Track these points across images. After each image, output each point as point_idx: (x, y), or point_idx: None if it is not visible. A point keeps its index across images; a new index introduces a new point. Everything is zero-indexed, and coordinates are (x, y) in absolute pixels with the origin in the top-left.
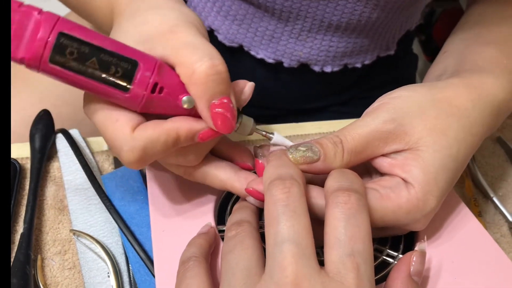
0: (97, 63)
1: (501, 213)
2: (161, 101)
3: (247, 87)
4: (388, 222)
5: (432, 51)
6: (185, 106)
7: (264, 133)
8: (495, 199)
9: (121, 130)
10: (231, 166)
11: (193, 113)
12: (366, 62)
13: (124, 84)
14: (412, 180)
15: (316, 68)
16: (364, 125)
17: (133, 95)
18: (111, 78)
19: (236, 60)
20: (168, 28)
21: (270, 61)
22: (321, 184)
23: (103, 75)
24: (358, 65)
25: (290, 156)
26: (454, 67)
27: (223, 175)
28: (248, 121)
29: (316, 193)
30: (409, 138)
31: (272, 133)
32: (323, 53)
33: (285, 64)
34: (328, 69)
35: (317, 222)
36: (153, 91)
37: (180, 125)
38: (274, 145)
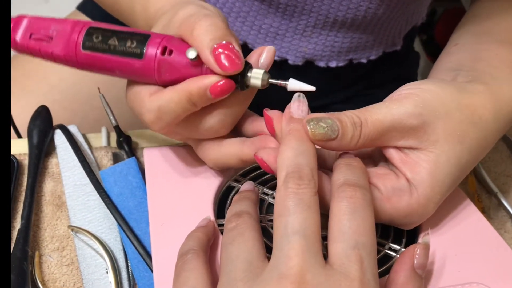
0: (116, 39)
1: (504, 209)
2: (172, 64)
3: (266, 50)
4: (382, 220)
5: (434, 51)
6: (190, 57)
7: (279, 82)
8: (498, 195)
9: (141, 98)
10: (239, 139)
11: (204, 72)
12: (372, 57)
13: (138, 51)
14: (418, 183)
15: (321, 64)
16: (388, 112)
17: (147, 60)
18: (128, 49)
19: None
20: (174, 13)
21: (275, 58)
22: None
23: (121, 48)
24: (364, 61)
25: (310, 130)
26: (470, 63)
27: (233, 149)
28: (258, 73)
29: (324, 183)
30: (426, 138)
31: (287, 80)
32: (328, 49)
33: (290, 61)
34: (333, 64)
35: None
36: (163, 53)
37: (190, 83)
38: (293, 91)
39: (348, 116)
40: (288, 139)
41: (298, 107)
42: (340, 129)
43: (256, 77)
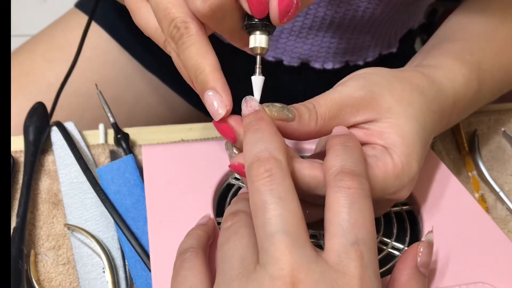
0: None
1: (508, 208)
2: None
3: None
4: (377, 191)
5: None
6: None
7: (258, 66)
8: (501, 194)
9: None
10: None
11: None
12: (368, 59)
13: None
14: (392, 145)
15: (317, 65)
16: (336, 92)
17: None
18: None
19: (235, 59)
20: None
21: (270, 59)
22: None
23: None
24: (360, 62)
25: (267, 109)
26: (416, 62)
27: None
28: (261, 40)
29: (308, 163)
30: (379, 107)
31: (261, 75)
32: (324, 50)
33: (285, 62)
34: (329, 66)
35: (312, 205)
36: None
37: None
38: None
39: (300, 103)
40: (244, 135)
41: (246, 106)
42: (296, 111)
43: (257, 40)
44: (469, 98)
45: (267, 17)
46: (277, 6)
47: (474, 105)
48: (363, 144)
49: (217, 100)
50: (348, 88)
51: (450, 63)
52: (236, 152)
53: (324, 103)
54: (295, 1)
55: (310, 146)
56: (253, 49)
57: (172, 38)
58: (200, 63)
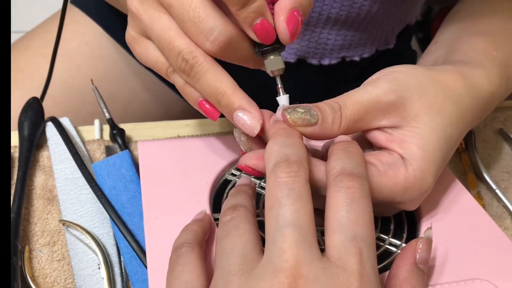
0: None
1: (504, 205)
2: None
3: None
4: (383, 199)
5: None
6: None
7: (279, 86)
8: (497, 192)
9: None
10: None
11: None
12: (365, 55)
13: None
14: (410, 157)
15: (314, 61)
16: (365, 93)
17: None
18: None
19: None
20: None
21: None
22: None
23: None
24: (356, 58)
25: (288, 116)
26: (444, 57)
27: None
28: (277, 62)
29: (317, 169)
30: (407, 113)
31: (286, 94)
32: (321, 46)
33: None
34: (325, 61)
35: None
36: None
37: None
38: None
39: (326, 103)
40: (274, 136)
41: (279, 114)
42: (319, 113)
43: (273, 63)
44: (499, 99)
45: (276, 39)
46: (287, 29)
47: (499, 103)
48: (382, 148)
49: (248, 117)
50: (379, 90)
51: (485, 61)
52: (244, 139)
53: (351, 105)
54: (300, 18)
55: (316, 143)
56: (271, 72)
57: (183, 71)
58: (219, 88)
